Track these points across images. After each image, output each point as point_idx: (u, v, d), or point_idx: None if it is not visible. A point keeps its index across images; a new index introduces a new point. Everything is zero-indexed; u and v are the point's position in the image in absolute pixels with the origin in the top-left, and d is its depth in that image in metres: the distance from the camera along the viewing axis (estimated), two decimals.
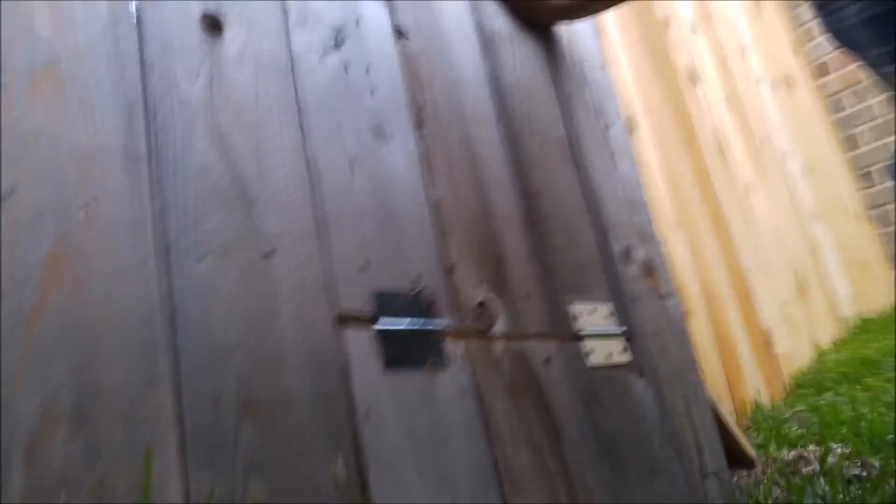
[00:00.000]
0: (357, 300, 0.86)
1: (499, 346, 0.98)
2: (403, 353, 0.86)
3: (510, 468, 0.87)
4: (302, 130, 0.92)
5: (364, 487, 0.74)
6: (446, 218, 1.03)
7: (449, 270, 0.98)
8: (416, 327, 0.89)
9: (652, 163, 2.15)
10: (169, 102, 0.80)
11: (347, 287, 0.85)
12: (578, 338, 1.11)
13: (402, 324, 0.88)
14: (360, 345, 0.83)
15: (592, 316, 1.17)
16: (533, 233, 1.17)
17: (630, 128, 2.11)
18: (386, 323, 0.86)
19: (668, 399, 1.20)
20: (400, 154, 1.03)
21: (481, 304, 1.00)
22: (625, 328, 1.21)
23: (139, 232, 0.72)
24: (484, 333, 0.97)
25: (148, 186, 0.74)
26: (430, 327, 0.91)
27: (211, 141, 0.82)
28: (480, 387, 0.91)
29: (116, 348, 0.65)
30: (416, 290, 0.92)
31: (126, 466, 0.61)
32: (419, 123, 1.09)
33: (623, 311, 1.23)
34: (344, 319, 0.83)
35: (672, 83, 2.56)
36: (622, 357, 1.17)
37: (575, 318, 1.14)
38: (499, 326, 1.00)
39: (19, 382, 0.59)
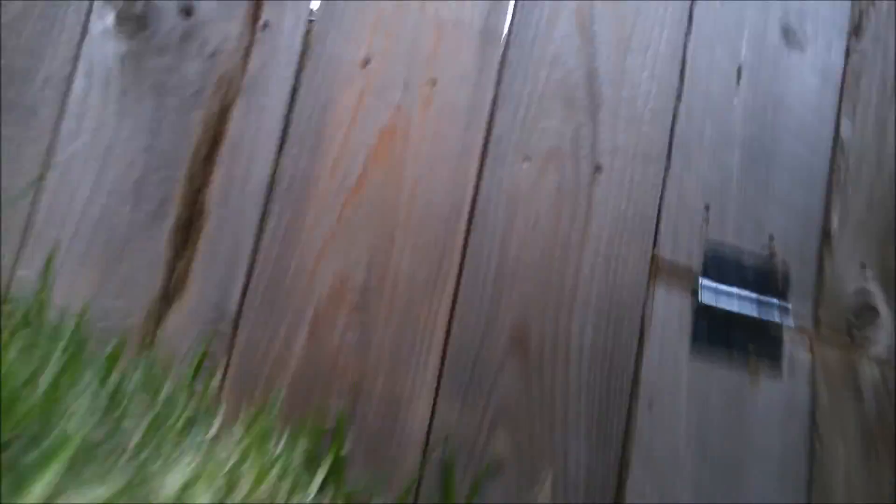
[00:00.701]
0: (682, 249, 0.68)
1: (870, 370, 0.71)
2: (723, 332, 0.67)
3: None
4: (689, 23, 0.72)
5: (620, 485, 0.62)
6: (851, 167, 0.74)
7: (825, 238, 0.72)
8: (749, 304, 0.69)
9: None
10: None
11: (676, 230, 0.69)
12: None
13: (732, 294, 0.68)
14: (669, 308, 0.67)
15: None
16: None
17: None
18: (710, 286, 0.68)
19: None
20: (812, 69, 0.75)
21: (863, 302, 0.73)
22: None
23: (473, 119, 0.65)
24: (853, 344, 0.71)
25: (497, 70, 0.67)
26: (771, 311, 0.69)
27: (576, 26, 0.69)
28: (821, 413, 0.68)
29: (413, 237, 0.63)
30: (767, 255, 0.70)
31: (388, 360, 0.60)
32: (857, 30, 0.78)
33: None
34: (660, 269, 0.68)
35: None
36: None
37: None
38: (882, 341, 0.72)
39: (324, 250, 0.61)
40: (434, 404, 0.60)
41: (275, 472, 0.43)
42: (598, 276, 0.66)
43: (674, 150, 0.70)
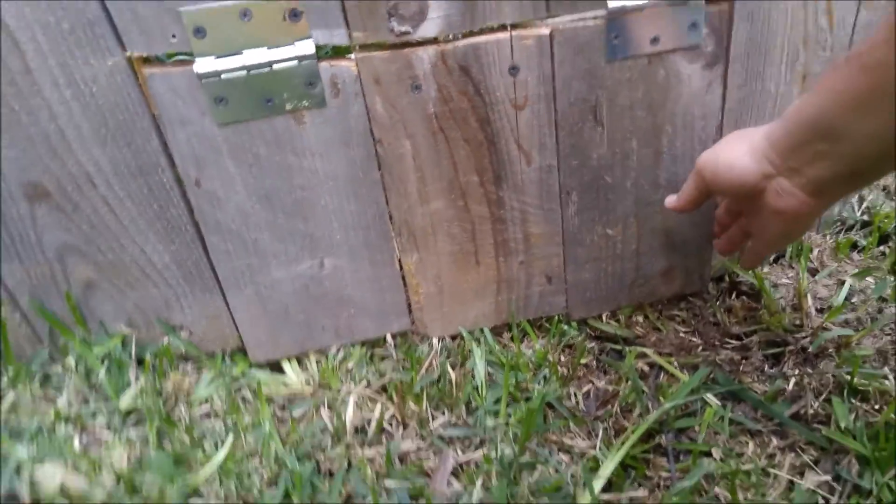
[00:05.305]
0: (158, 38, 0.60)
1: (425, 54, 0.67)
2: (244, 97, 0.65)
3: (411, 219, 0.75)
4: None
5: (206, 250, 0.73)
6: None
7: None
8: (262, 56, 0.63)
9: None
10: None
11: (140, 19, 0.59)
12: (600, 15, 0.69)
13: (239, 58, 0.63)
14: (177, 95, 0.64)
15: None
16: None
17: None
18: (211, 62, 0.62)
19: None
20: None
21: None
22: None
23: None
24: (399, 38, 0.66)
25: None
26: (290, 55, 0.63)
27: None
28: (378, 122, 0.68)
29: None
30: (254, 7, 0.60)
31: None
32: None
33: None
34: (144, 65, 0.62)
35: None
36: (684, 38, 0.73)
37: None
38: (433, 19, 0.66)
39: None
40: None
41: None
42: (77, 107, 0.63)
43: None
